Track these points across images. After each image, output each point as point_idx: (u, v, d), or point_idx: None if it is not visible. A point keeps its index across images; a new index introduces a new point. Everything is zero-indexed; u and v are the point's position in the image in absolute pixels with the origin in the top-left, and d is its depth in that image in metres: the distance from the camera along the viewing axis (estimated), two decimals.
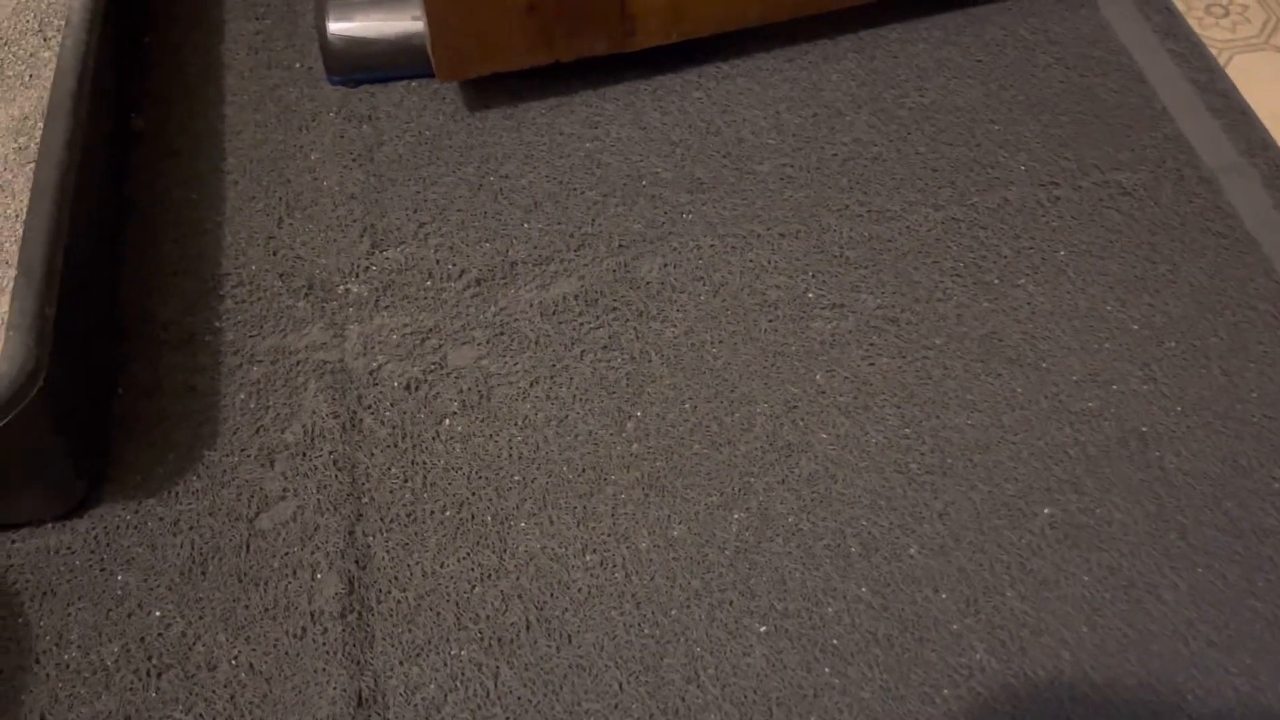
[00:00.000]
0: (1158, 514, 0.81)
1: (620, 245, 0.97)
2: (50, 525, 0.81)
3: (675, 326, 0.92)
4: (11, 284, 0.72)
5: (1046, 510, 0.82)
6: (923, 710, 0.73)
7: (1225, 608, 0.77)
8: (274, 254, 0.96)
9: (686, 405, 0.88)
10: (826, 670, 0.75)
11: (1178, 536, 0.80)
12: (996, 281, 0.94)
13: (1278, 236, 0.97)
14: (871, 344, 0.91)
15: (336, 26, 1.04)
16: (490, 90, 1.08)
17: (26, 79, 0.94)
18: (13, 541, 0.80)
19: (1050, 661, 0.75)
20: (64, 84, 0.85)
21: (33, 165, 0.86)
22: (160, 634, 0.76)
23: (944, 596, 0.78)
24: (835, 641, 0.76)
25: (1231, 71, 1.11)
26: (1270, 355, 0.89)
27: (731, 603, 0.78)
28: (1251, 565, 0.79)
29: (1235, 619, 0.77)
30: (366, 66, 1.06)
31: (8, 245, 0.82)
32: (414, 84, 1.09)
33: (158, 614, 0.77)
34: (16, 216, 0.84)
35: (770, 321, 0.92)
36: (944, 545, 0.80)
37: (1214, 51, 1.12)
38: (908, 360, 0.90)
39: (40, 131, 0.88)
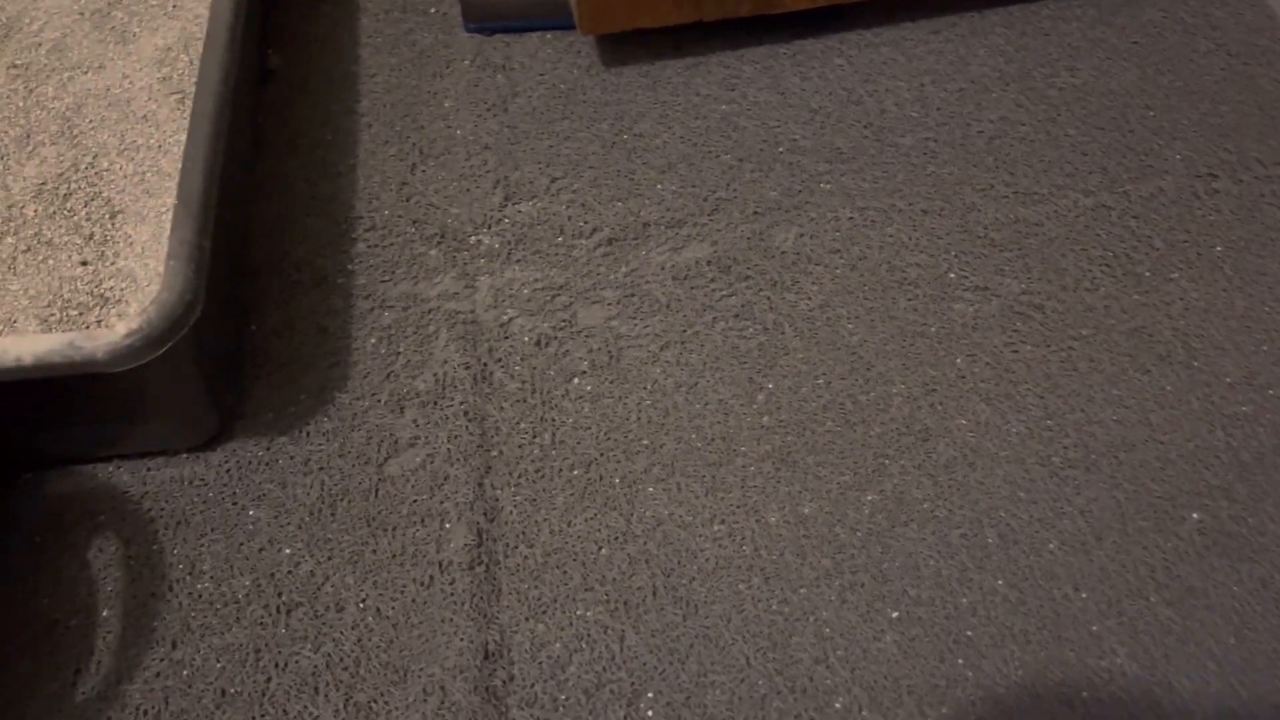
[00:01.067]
0: None
1: (755, 212, 0.95)
2: (184, 456, 0.82)
3: (810, 299, 0.90)
4: (171, 214, 0.72)
5: (1195, 515, 0.79)
6: (1060, 711, 0.71)
7: None
8: (407, 200, 0.95)
9: (820, 380, 0.86)
10: (960, 662, 0.73)
11: None
12: (1148, 274, 0.91)
13: None
14: (1015, 330, 0.88)
15: None
16: (627, 46, 1.06)
17: (170, 9, 0.94)
18: (148, 470, 0.81)
19: (1196, 671, 0.72)
20: (220, 15, 0.84)
21: (176, 96, 0.86)
22: (290, 571, 0.77)
23: (1084, 596, 0.76)
24: (970, 633, 0.74)
25: None
26: None
27: (863, 585, 0.76)
28: None
29: None
30: (504, 15, 1.05)
31: (150, 176, 0.82)
32: (548, 35, 1.07)
33: (287, 551, 0.78)
34: (160, 147, 0.84)
35: (909, 300, 0.90)
36: (1085, 543, 0.78)
37: None
38: (1052, 349, 0.87)
39: (182, 63, 0.87)
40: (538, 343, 0.88)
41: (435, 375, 0.86)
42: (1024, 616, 0.75)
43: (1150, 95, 1.02)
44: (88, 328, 0.68)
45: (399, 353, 0.87)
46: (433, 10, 1.09)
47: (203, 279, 0.70)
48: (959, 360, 0.86)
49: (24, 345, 0.65)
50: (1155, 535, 0.78)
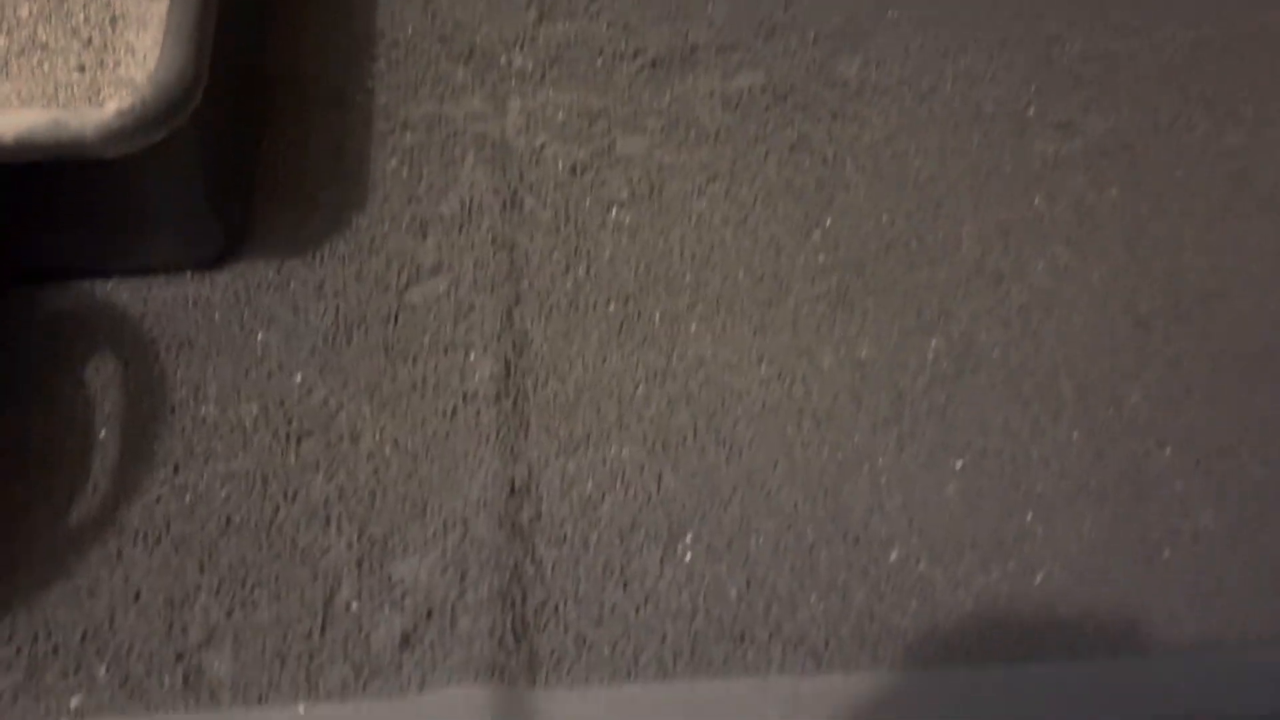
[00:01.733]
0: None
1: (816, 38, 0.86)
2: (188, 276, 0.75)
3: (874, 132, 0.81)
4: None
5: None
6: (1137, 571, 0.65)
7: None
8: (432, 16, 0.87)
9: (883, 218, 0.78)
10: (1029, 517, 0.67)
11: None
12: (1251, 115, 0.81)
13: None
14: (1100, 171, 0.79)
15: None
16: None
17: None
18: (150, 289, 0.75)
19: None
20: None
21: None
22: (301, 399, 0.71)
23: (1168, 452, 0.69)
24: (1040, 487, 0.68)
25: None
26: None
27: (924, 433, 0.70)
28: None
29: None
30: None
31: None
32: None
33: (299, 378, 0.72)
34: None
35: (984, 136, 0.81)
36: (1173, 397, 0.71)
37: None
38: (1141, 192, 0.78)
39: None
40: (573, 170, 0.80)
41: (461, 200, 0.78)
42: (1101, 472, 0.68)
43: None
44: None
45: (422, 175, 0.79)
46: None
47: (204, 62, 0.62)
48: (1037, 201, 0.78)
49: (4, 121, 0.58)
50: (1249, 391, 0.71)
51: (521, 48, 0.86)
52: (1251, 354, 0.72)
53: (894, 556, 0.66)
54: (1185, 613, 0.64)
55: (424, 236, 0.77)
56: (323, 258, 0.76)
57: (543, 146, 0.81)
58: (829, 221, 0.78)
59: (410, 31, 0.86)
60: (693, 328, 0.74)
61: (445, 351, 0.72)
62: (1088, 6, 0.87)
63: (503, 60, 0.85)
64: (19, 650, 0.62)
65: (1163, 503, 0.67)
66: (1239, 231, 0.77)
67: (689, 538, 0.66)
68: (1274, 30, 0.85)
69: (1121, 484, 0.68)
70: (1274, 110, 0.82)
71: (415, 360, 0.72)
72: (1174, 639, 0.63)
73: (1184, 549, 0.66)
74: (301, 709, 0.59)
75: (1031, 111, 0.82)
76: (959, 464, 0.69)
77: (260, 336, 0.73)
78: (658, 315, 0.74)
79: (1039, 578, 0.65)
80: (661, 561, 0.66)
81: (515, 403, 0.71)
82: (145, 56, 0.67)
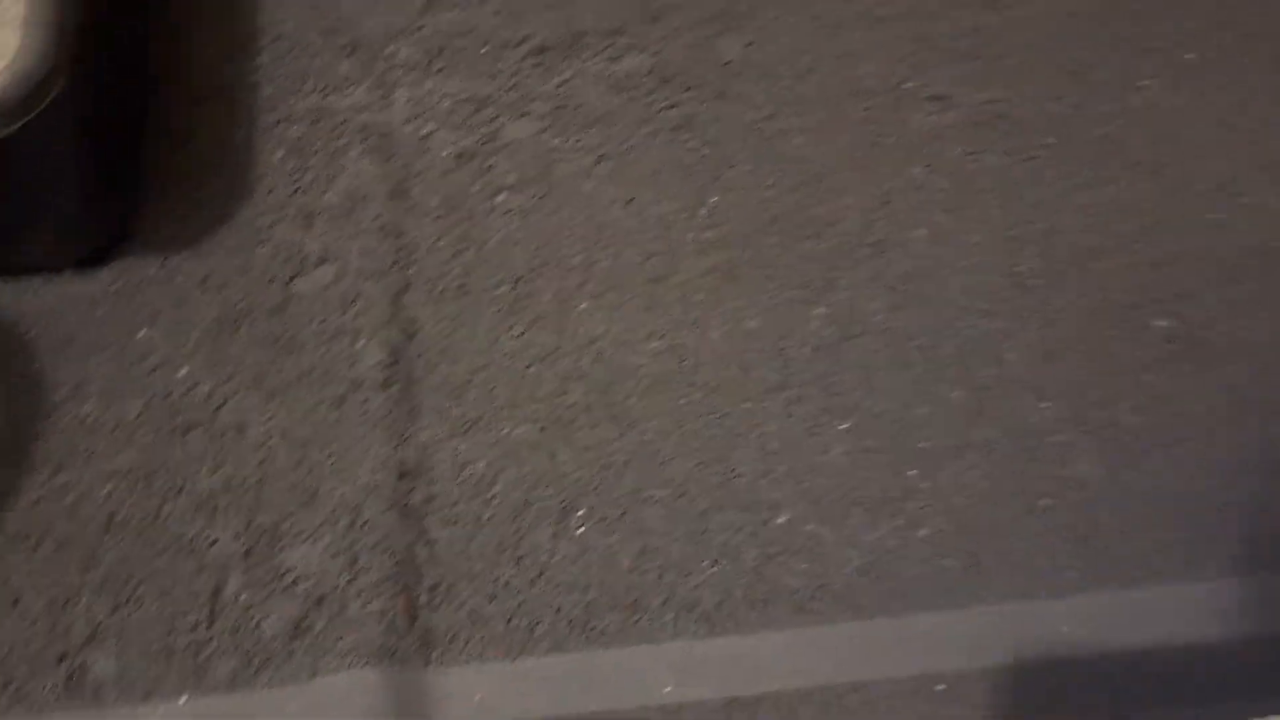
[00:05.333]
0: None
1: (699, 21, 0.87)
2: (70, 275, 0.74)
3: (758, 110, 0.83)
4: None
5: (1163, 323, 0.74)
6: (1020, 520, 0.67)
7: None
8: (316, 8, 0.87)
9: (768, 193, 0.79)
10: (914, 473, 0.68)
11: None
12: (1118, 82, 0.84)
13: None
14: (977, 140, 0.81)
15: None
16: None
17: None
18: (29, 288, 0.73)
19: (1164, 478, 0.68)
20: None
21: None
22: (186, 393, 0.70)
23: (1046, 406, 0.71)
24: (925, 444, 0.69)
25: None
26: None
27: (811, 398, 0.71)
28: None
29: None
30: None
31: None
32: None
33: (184, 371, 0.71)
34: None
35: (865, 111, 0.83)
36: (1051, 352, 0.73)
37: None
38: (1016, 159, 0.81)
39: None
40: (459, 156, 0.80)
41: (347, 190, 0.78)
42: (983, 427, 0.70)
43: None
44: None
45: (307, 167, 0.79)
46: None
47: (65, 51, 0.61)
48: (916, 171, 0.80)
49: None
50: (1123, 344, 0.73)
51: (407, 37, 0.86)
52: (1124, 309, 0.75)
53: (783, 519, 0.67)
54: (1065, 559, 0.66)
55: (310, 227, 0.76)
56: (208, 251, 0.75)
57: (429, 135, 0.81)
58: (715, 199, 0.79)
59: (292, 25, 0.86)
60: (583, 306, 0.74)
61: (333, 340, 0.72)
62: None
63: (388, 50, 0.85)
64: None
65: (1042, 455, 0.69)
66: (1109, 193, 0.79)
67: (582, 512, 0.67)
68: (1138, 2, 0.88)
69: (1002, 438, 0.70)
70: (1140, 77, 0.85)
71: (303, 350, 0.72)
72: (1056, 584, 0.65)
73: (1063, 497, 0.68)
74: (182, 700, 0.58)
75: (909, 85, 0.84)
76: (844, 426, 0.70)
77: (144, 332, 0.72)
78: (548, 296, 0.75)
79: (924, 531, 0.66)
80: (555, 536, 0.66)
81: (405, 387, 0.70)
82: (6, 51, 0.66)
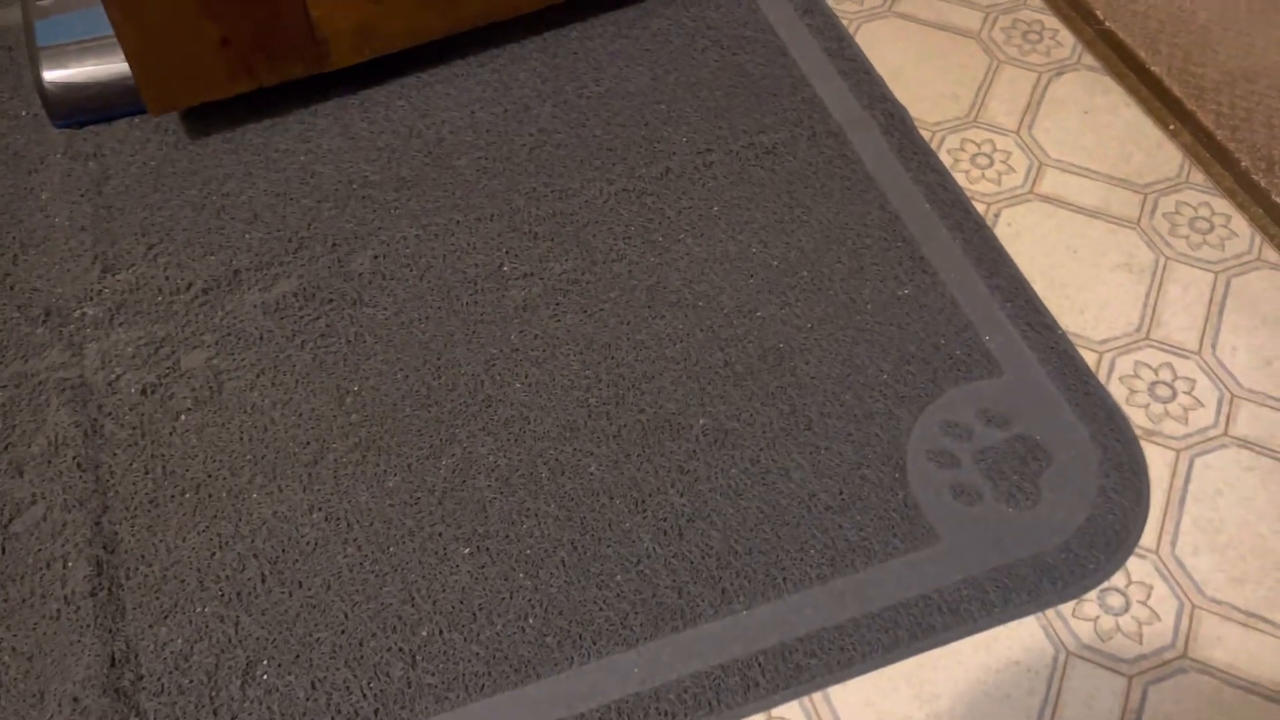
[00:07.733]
0: (790, 412, 0.99)
1: (334, 244, 1.09)
2: None
3: (386, 310, 1.05)
4: None
5: (701, 421, 0.99)
6: (598, 594, 0.89)
7: (840, 478, 0.95)
8: (11, 289, 1.05)
9: (399, 375, 1.01)
10: (521, 575, 0.90)
11: (805, 427, 0.98)
12: (661, 239, 1.11)
13: (891, 174, 1.16)
14: (558, 304, 1.06)
15: (51, 75, 1.13)
16: (210, 117, 1.19)
17: None
18: None
19: (704, 540, 0.92)
20: None
21: None
22: None
23: (617, 502, 0.94)
24: (529, 552, 0.91)
25: (860, 38, 1.30)
26: (882, 272, 1.09)
27: (440, 534, 0.92)
28: (862, 443, 0.98)
29: (848, 487, 0.95)
30: (86, 109, 1.15)
31: None
32: (137, 119, 1.18)
33: None
34: None
35: (471, 295, 1.06)
36: (618, 460, 0.96)
37: (845, 23, 1.32)
38: (588, 314, 1.05)
39: None
40: (144, 391, 0.99)
41: (48, 438, 0.96)
42: (571, 528, 0.93)
43: (660, 92, 1.23)
44: None
45: (15, 425, 0.96)
46: (24, 113, 1.19)
47: None
48: (514, 336, 1.04)
49: None
50: (671, 443, 0.98)
51: (92, 299, 1.05)
52: (671, 415, 0.99)
53: (424, 632, 0.87)
54: (632, 616, 0.88)
55: (20, 475, 0.94)
56: None
57: (118, 378, 1.00)
58: (356, 387, 1.00)
59: None
60: (254, 496, 0.94)
61: (47, 566, 0.89)
62: (541, 180, 1.15)
63: (77, 313, 1.04)
64: None
65: (615, 540, 0.92)
66: (657, 327, 1.05)
67: (265, 662, 0.85)
68: (674, 172, 1.16)
69: (585, 533, 0.92)
70: (678, 232, 1.11)
71: (22, 580, 0.88)
72: (621, 640, 0.87)
73: (631, 570, 0.90)
74: None
75: (506, 268, 1.08)
76: (466, 551, 0.91)
77: None
78: (225, 493, 0.94)
79: (531, 620, 0.88)
80: (243, 686, 0.84)
81: (110, 592, 0.88)
82: None
